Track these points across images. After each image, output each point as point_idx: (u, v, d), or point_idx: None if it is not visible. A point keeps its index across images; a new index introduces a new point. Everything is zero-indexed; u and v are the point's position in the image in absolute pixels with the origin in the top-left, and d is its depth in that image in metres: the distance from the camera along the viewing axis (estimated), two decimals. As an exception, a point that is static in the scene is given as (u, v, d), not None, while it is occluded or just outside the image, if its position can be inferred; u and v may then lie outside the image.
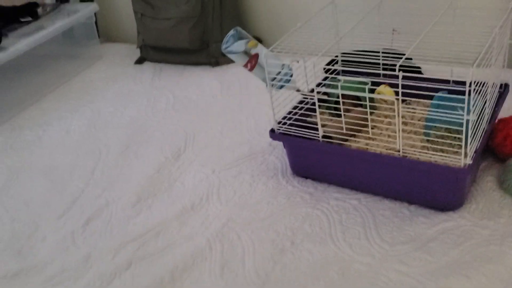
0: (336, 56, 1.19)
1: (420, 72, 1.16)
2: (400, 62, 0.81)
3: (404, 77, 0.80)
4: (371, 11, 1.04)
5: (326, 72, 1.28)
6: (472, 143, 0.82)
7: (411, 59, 1.13)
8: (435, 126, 0.94)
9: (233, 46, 1.01)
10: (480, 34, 0.88)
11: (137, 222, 1.01)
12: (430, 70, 1.15)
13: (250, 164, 1.13)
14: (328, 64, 1.20)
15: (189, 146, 1.23)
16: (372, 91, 1.07)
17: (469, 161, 0.82)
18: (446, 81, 1.05)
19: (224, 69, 1.60)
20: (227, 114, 1.35)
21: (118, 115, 1.43)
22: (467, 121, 0.79)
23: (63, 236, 1.00)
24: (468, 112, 0.78)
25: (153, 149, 1.24)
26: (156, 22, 1.63)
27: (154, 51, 1.71)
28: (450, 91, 1.00)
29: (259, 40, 1.78)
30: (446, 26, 0.92)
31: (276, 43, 1.01)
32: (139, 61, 1.74)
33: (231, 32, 1.02)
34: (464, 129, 0.80)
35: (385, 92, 1.02)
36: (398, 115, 0.86)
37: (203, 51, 1.63)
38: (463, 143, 0.81)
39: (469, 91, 0.76)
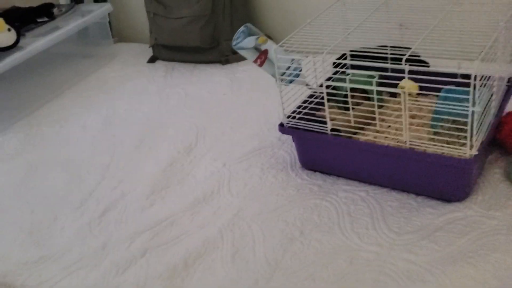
0: (345, 53, 1.22)
1: (428, 67, 1.18)
2: (407, 55, 0.83)
3: (411, 72, 0.82)
4: (379, 8, 1.06)
5: (335, 67, 1.30)
6: (478, 135, 0.84)
7: (419, 56, 1.16)
8: (442, 119, 0.96)
9: (244, 42, 1.04)
10: (487, 28, 0.89)
11: (151, 212, 1.04)
12: (438, 65, 1.16)
13: (260, 157, 1.16)
14: (337, 59, 1.22)
15: (201, 141, 1.26)
16: (380, 84, 1.09)
17: (474, 152, 0.83)
18: (454, 75, 1.06)
19: (234, 67, 1.63)
20: (237, 110, 1.38)
21: (132, 112, 1.47)
22: (473, 112, 0.81)
23: (81, 226, 1.03)
24: (474, 104, 0.80)
25: (166, 144, 1.28)
26: (168, 21, 1.67)
27: (166, 50, 1.74)
28: (458, 85, 1.02)
29: (269, 38, 1.82)
30: (453, 21, 0.94)
31: (285, 39, 1.03)
32: (152, 60, 1.78)
33: (242, 28, 1.05)
34: (469, 120, 0.82)
35: (408, 86, 1.04)
36: (405, 108, 0.88)
37: (213, 49, 1.67)
38: (468, 135, 0.83)
39: (474, 84, 0.78)
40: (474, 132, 0.82)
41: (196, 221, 0.99)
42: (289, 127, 1.06)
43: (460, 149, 0.86)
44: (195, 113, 1.40)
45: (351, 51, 1.18)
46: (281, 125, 1.06)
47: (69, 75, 1.73)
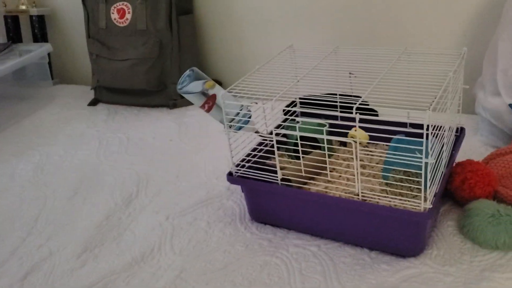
0: (295, 100, 1.19)
1: (377, 115, 1.17)
2: (357, 104, 0.80)
3: (361, 120, 0.79)
4: (328, 56, 1.04)
5: (285, 114, 1.27)
6: (431, 187, 0.81)
7: (367, 103, 1.15)
8: (394, 169, 0.93)
9: (190, 86, 0.98)
10: (435, 78, 0.89)
11: (82, 274, 0.92)
12: (387, 114, 1.15)
13: (207, 209, 1.08)
14: (287, 106, 1.19)
15: (142, 191, 1.17)
16: (330, 133, 1.06)
17: (429, 205, 0.80)
18: (403, 124, 1.05)
19: (182, 111, 1.56)
20: (184, 157, 1.30)
21: (68, 158, 1.35)
22: (426, 164, 0.78)
23: (-4, 292, 0.90)
24: (426, 155, 0.77)
25: (103, 194, 1.17)
26: (112, 63, 1.59)
27: (109, 93, 1.66)
28: (408, 134, 1.00)
29: (219, 83, 1.79)
30: (402, 71, 0.93)
31: (234, 84, 0.99)
32: (93, 102, 1.69)
33: (187, 72, 1.00)
34: (423, 172, 0.78)
35: (357, 135, 1.01)
36: (356, 158, 0.84)
37: (160, 93, 1.60)
38: (422, 187, 0.80)
39: (427, 134, 0.76)
40: (428, 184, 0.79)
41: (132, 284, 0.88)
42: (238, 176, 0.99)
43: (414, 202, 0.82)
44: (137, 160, 1.31)
45: (301, 98, 1.16)
46: (230, 174, 1.00)
47: (2, 118, 1.60)
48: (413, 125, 1.05)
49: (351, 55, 1.04)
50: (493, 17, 1.27)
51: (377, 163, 1.01)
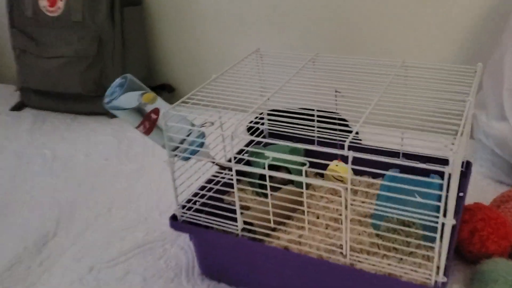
0: (262, 114, 0.96)
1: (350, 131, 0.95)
2: (350, 138, 0.57)
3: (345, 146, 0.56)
4: (305, 65, 0.82)
5: (250, 134, 1.04)
6: (441, 250, 0.59)
7: (346, 120, 0.93)
8: (387, 216, 0.72)
9: (121, 99, 0.73)
10: (440, 102, 0.68)
11: None
12: (369, 134, 0.94)
13: (144, 258, 0.83)
14: (251, 122, 0.95)
15: (62, 229, 0.91)
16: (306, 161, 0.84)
17: (442, 278, 0.58)
18: (396, 153, 0.84)
19: (124, 123, 1.30)
20: (121, 182, 1.05)
21: (-28, 180, 1.07)
22: (443, 225, 0.56)
23: None
24: (445, 212, 0.55)
25: (11, 233, 0.90)
26: (41, 61, 1.31)
27: (37, 96, 1.38)
28: (403, 168, 0.79)
29: (171, 89, 1.53)
30: (400, 90, 0.72)
31: (184, 97, 0.75)
32: (17, 107, 1.40)
33: (118, 80, 0.75)
34: (438, 236, 0.57)
35: (338, 171, 0.78)
36: (346, 207, 0.62)
37: (99, 98, 1.33)
38: (436, 256, 0.58)
39: (448, 178, 0.54)
40: (443, 252, 0.57)
41: None
42: (184, 221, 0.75)
43: (423, 273, 0.60)
44: (62, 185, 1.04)
45: (271, 111, 0.93)
46: (174, 218, 0.76)
47: None
48: (407, 156, 0.84)
49: (334, 65, 0.82)
50: (495, 24, 1.08)
51: (363, 203, 0.79)
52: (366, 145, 0.82)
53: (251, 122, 1.03)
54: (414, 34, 1.17)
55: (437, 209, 0.56)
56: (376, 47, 1.22)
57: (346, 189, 0.59)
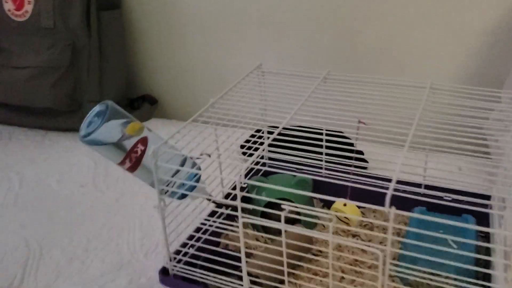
0: (259, 131, 0.84)
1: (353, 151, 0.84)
2: (391, 188, 0.46)
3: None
4: (317, 86, 0.70)
5: (246, 153, 0.92)
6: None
7: (352, 144, 0.83)
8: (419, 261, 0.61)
9: (100, 131, 0.60)
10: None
11: None
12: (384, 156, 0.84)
13: (129, 314, 0.70)
14: (249, 141, 0.83)
15: (30, 276, 0.77)
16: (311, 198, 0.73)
17: None
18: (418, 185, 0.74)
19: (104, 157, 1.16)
20: (99, 215, 0.91)
21: None
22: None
23: None
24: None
25: (-34, 283, 0.76)
26: (6, 71, 1.16)
27: (1, 109, 1.22)
28: (430, 205, 0.68)
29: (153, 100, 1.40)
30: (429, 114, 0.61)
31: (179, 128, 0.63)
32: (-21, 122, 1.24)
33: (97, 108, 0.62)
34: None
35: (345, 211, 0.67)
36: (384, 273, 0.50)
37: (73, 114, 1.19)
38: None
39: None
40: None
41: None
42: (176, 275, 0.63)
43: None
44: (30, 219, 0.90)
45: (270, 127, 0.81)
46: (164, 271, 0.63)
47: None
48: (430, 188, 0.74)
49: (349, 85, 0.71)
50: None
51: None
52: (380, 176, 0.72)
53: (247, 141, 0.91)
54: (427, 50, 1.07)
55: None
56: (385, 60, 1.11)
57: (384, 252, 0.48)
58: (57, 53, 1.13)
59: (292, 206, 0.50)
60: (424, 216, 0.65)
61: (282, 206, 0.51)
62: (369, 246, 0.50)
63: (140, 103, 1.33)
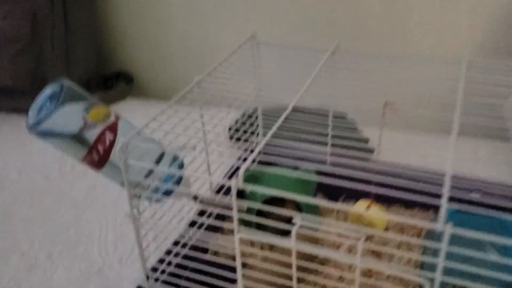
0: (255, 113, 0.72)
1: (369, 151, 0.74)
2: (445, 201, 0.35)
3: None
4: (326, 60, 0.58)
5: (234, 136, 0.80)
6: None
7: (366, 141, 0.72)
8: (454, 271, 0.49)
9: (54, 119, 0.47)
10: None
11: None
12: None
13: (99, 336, 0.59)
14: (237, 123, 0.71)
15: (-19, 292, 0.65)
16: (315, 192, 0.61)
17: None
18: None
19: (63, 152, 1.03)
20: (65, 213, 0.79)
21: None
22: None
23: None
24: None
25: None
26: (-45, 43, 1.01)
27: (-47, 89, 1.08)
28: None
29: (129, 78, 1.27)
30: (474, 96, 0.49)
31: (157, 114, 0.50)
32: None
33: (48, 89, 0.49)
34: None
35: (371, 217, 0.55)
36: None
37: (35, 93, 1.05)
38: None
39: None
40: None
41: None
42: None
43: None
44: (-17, 218, 0.77)
45: (265, 113, 0.70)
46: (140, 290, 0.51)
47: None
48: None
49: (364, 60, 0.59)
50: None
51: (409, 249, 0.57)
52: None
53: (236, 122, 0.79)
54: (434, 24, 0.95)
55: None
56: (393, 31, 0.99)
57: (433, 281, 0.36)
58: (16, 22, 0.99)
59: (304, 219, 0.39)
60: (483, 235, 0.53)
61: (293, 221, 0.39)
62: (412, 274, 0.38)
63: (114, 82, 1.21)
